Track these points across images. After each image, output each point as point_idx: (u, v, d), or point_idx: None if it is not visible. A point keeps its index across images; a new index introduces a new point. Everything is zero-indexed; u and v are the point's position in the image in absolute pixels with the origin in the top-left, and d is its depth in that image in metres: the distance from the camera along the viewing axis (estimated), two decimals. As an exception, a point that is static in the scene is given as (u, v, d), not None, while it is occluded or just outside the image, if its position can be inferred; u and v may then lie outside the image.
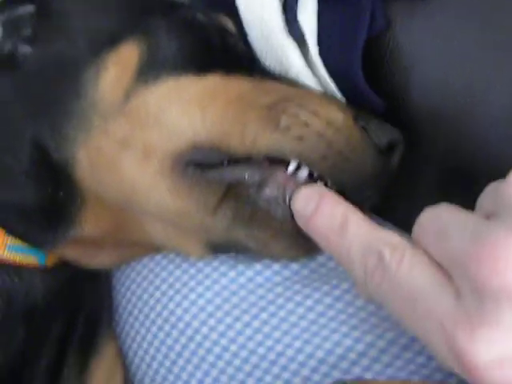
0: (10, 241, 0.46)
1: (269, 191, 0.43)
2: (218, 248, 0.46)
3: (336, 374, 0.42)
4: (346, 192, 0.44)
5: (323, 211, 0.39)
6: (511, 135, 0.44)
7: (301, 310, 0.45)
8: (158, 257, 0.52)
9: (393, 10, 0.47)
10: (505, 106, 0.45)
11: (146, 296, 0.51)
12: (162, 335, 0.49)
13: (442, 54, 0.46)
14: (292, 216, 0.42)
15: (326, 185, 0.44)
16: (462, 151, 0.47)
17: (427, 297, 0.31)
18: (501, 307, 0.28)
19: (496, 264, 0.28)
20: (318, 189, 0.41)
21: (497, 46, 0.46)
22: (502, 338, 0.28)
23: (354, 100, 0.48)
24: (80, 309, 0.51)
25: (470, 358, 0.29)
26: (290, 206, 0.42)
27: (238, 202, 0.43)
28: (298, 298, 0.46)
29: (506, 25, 0.45)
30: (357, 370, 0.42)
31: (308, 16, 0.48)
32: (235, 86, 0.45)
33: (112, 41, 0.46)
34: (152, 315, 0.50)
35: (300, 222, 0.41)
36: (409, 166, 0.47)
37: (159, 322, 0.49)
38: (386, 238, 0.34)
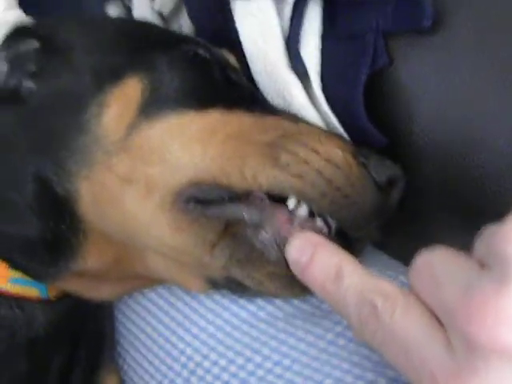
0: (13, 274, 0.46)
1: (265, 233, 0.43)
2: (217, 284, 0.47)
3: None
4: (346, 228, 0.44)
5: (317, 262, 0.39)
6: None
7: (302, 346, 0.45)
8: (161, 289, 0.52)
9: (394, 44, 0.47)
10: (506, 140, 0.45)
11: (148, 329, 0.51)
12: (164, 369, 0.49)
13: (444, 89, 0.46)
14: (286, 259, 0.42)
15: (325, 221, 0.44)
16: (464, 185, 0.47)
17: (419, 347, 0.31)
18: (490, 364, 0.28)
19: (484, 320, 0.28)
20: (312, 238, 0.41)
21: (499, 81, 0.46)
22: None
23: (356, 135, 0.48)
24: (82, 340, 0.51)
25: None
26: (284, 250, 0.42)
27: (235, 240, 0.43)
28: (299, 333, 0.46)
29: (508, 60, 0.45)
30: None
31: (311, 51, 0.48)
32: (235, 121, 0.45)
33: (115, 76, 0.46)
34: (154, 348, 0.50)
35: (295, 272, 0.41)
36: (410, 201, 0.47)
37: (161, 355, 0.49)
38: (379, 286, 0.35)
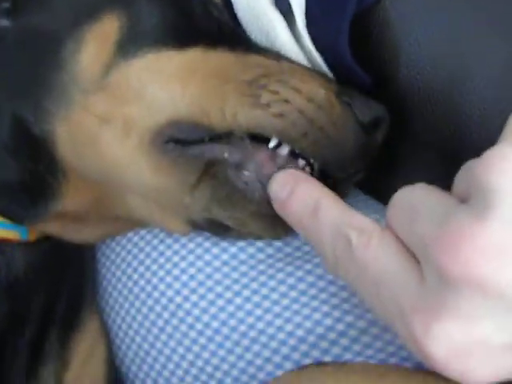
0: (-9, 217, 0.46)
1: (247, 173, 0.42)
2: (199, 226, 0.46)
3: (315, 354, 0.42)
4: (329, 169, 0.44)
5: (297, 195, 0.38)
6: (502, 111, 0.43)
7: (283, 288, 0.45)
8: (143, 231, 0.51)
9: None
10: (491, 79, 0.44)
11: (129, 270, 0.50)
12: (145, 310, 0.49)
13: (433, 28, 0.45)
14: (269, 198, 0.41)
15: (308, 162, 0.44)
16: (450, 127, 0.46)
17: (390, 281, 0.31)
18: (461, 296, 0.28)
19: (458, 252, 0.27)
20: (293, 173, 0.41)
21: (489, 19, 0.45)
22: (459, 328, 0.28)
23: (341, 75, 0.47)
24: (63, 282, 0.51)
25: (428, 351, 0.29)
26: (267, 188, 0.41)
27: (215, 181, 0.42)
28: (280, 275, 0.46)
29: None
30: (336, 350, 0.42)
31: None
32: (216, 59, 0.44)
33: (92, 12, 0.45)
34: (136, 289, 0.50)
35: (275, 206, 0.40)
36: (394, 142, 0.47)
37: (142, 296, 0.49)
38: (355, 221, 0.34)
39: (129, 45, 0.44)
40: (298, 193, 0.39)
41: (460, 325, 0.28)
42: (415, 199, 0.32)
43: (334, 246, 0.34)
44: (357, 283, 0.33)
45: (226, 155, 0.42)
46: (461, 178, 0.32)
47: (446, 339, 0.28)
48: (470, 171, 0.30)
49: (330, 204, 0.37)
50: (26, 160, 0.45)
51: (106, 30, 0.44)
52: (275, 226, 0.43)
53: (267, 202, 0.41)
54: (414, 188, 0.33)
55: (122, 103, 0.43)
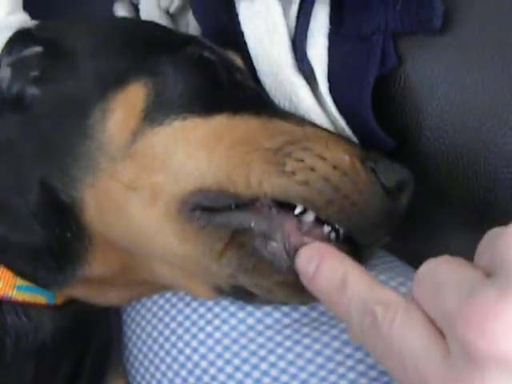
0: (19, 282, 0.46)
1: (274, 243, 0.42)
2: (224, 292, 0.46)
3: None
4: (354, 235, 0.43)
5: (324, 271, 0.38)
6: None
7: (309, 354, 0.45)
8: (168, 294, 0.51)
9: (404, 46, 0.46)
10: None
11: (155, 333, 0.51)
12: (170, 374, 0.49)
13: (455, 91, 0.45)
14: (295, 269, 0.41)
15: (333, 227, 0.43)
16: (474, 191, 0.45)
17: (416, 357, 0.31)
18: (487, 373, 0.27)
19: (484, 327, 0.27)
20: (319, 247, 0.40)
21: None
22: None
23: (364, 138, 0.47)
24: (90, 345, 0.51)
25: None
26: (293, 259, 0.41)
27: (242, 250, 0.42)
28: (306, 341, 0.45)
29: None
30: None
31: (318, 52, 0.47)
32: (242, 126, 0.45)
33: (119, 81, 0.45)
34: (161, 353, 0.50)
35: (304, 282, 0.40)
36: (419, 206, 0.46)
37: (168, 360, 0.49)
38: (382, 296, 0.34)
39: (155, 113, 0.44)
40: (324, 269, 0.39)
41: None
42: (440, 274, 0.32)
43: (361, 321, 0.34)
44: (384, 357, 0.33)
45: (252, 224, 0.42)
46: (484, 248, 0.32)
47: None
48: (494, 244, 0.30)
49: (356, 279, 0.36)
50: (54, 226, 0.46)
51: (132, 98, 0.45)
52: (302, 293, 0.43)
53: (294, 272, 0.41)
54: (438, 262, 0.33)
55: (148, 171, 0.43)
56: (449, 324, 0.29)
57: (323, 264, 0.39)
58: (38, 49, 0.47)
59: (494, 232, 0.31)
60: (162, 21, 0.59)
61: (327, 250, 0.40)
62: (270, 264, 0.42)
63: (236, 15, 0.49)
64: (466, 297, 0.29)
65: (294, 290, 0.43)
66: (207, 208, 0.43)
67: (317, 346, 0.45)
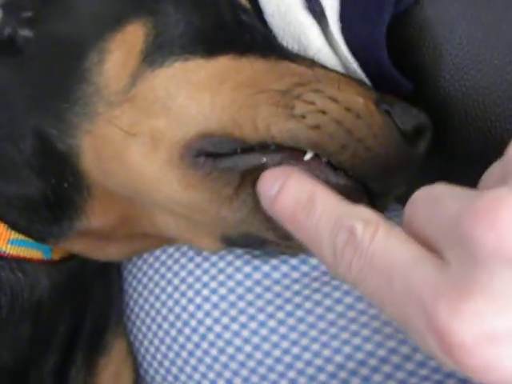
0: (13, 235, 0.44)
1: None
2: (233, 242, 0.43)
3: (355, 382, 0.39)
4: (368, 182, 0.41)
5: (289, 189, 0.35)
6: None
7: (319, 310, 0.43)
8: (171, 249, 0.49)
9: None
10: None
11: (157, 290, 0.48)
12: (173, 332, 0.47)
13: (476, 28, 0.42)
14: None
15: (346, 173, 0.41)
16: (497, 136, 0.43)
17: (405, 271, 0.27)
18: (494, 271, 0.24)
19: (493, 220, 0.24)
20: (284, 169, 0.37)
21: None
22: (494, 308, 0.24)
23: (379, 81, 0.44)
24: (88, 303, 0.49)
25: (452, 338, 0.25)
26: None
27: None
28: (316, 296, 0.43)
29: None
30: (378, 378, 0.39)
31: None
32: (247, 68, 0.42)
33: (116, 21, 0.43)
34: (163, 311, 0.47)
35: (266, 206, 0.36)
36: (436, 153, 0.44)
37: (171, 318, 0.47)
38: (358, 212, 0.30)
39: (155, 54, 0.42)
40: (289, 186, 0.35)
41: (492, 305, 0.24)
42: (438, 189, 0.28)
43: (333, 240, 0.30)
44: (362, 279, 0.29)
45: (264, 160, 0.39)
46: (490, 174, 0.30)
47: (476, 320, 0.24)
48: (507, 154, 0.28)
49: (326, 195, 0.33)
50: (50, 176, 0.43)
51: (130, 39, 0.42)
52: None
53: None
54: (435, 185, 0.29)
55: (148, 115, 0.41)
56: (450, 230, 0.26)
57: (288, 182, 0.35)
58: (31, -12, 0.45)
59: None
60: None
61: (293, 170, 0.36)
62: None
63: (241, -50, 0.46)
64: (470, 199, 0.25)
65: None
66: (212, 154, 0.40)
67: (327, 302, 0.43)
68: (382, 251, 0.28)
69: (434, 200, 0.28)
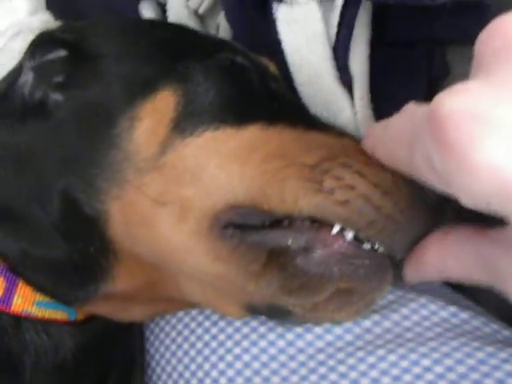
0: (39, 297, 0.44)
1: (317, 253, 0.39)
2: (258, 311, 0.43)
3: None
4: (395, 253, 0.41)
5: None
6: None
7: (344, 383, 0.42)
8: (194, 312, 0.49)
9: (451, 54, 0.43)
10: None
11: (180, 353, 0.48)
12: (196, 397, 0.46)
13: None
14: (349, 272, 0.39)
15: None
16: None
17: None
18: (499, 60, 0.25)
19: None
20: None
21: None
22: (492, 94, 0.25)
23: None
24: (112, 364, 0.49)
25: (441, 109, 0.25)
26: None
27: (285, 272, 0.39)
28: (341, 368, 0.43)
29: None
30: None
31: (359, 61, 0.44)
32: (276, 138, 0.42)
33: (147, 87, 0.43)
34: (186, 374, 0.47)
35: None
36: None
37: (194, 382, 0.47)
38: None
39: (185, 122, 0.42)
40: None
41: (491, 90, 0.25)
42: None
43: None
44: None
45: (289, 242, 0.39)
46: None
47: (469, 98, 0.25)
48: None
49: None
50: (77, 240, 0.43)
51: (161, 107, 0.42)
52: (351, 303, 0.41)
53: (348, 275, 0.39)
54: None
55: (177, 184, 0.41)
56: None
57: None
58: (62, 52, 0.45)
59: None
60: (191, 22, 0.56)
61: None
62: (319, 277, 0.39)
63: (272, 20, 0.46)
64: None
65: (345, 300, 0.41)
66: (240, 225, 0.40)
67: (353, 375, 0.42)
68: None
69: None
